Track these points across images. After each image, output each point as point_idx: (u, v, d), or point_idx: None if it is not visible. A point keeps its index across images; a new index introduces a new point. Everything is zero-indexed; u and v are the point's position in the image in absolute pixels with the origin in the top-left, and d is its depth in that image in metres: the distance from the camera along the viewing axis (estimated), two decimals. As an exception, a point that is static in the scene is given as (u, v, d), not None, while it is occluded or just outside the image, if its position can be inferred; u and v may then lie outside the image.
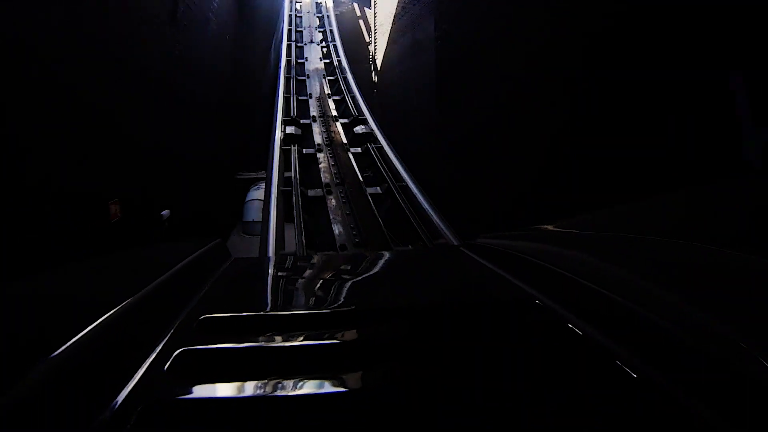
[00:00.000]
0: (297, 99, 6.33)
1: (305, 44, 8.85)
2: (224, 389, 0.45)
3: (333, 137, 5.05)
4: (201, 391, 0.45)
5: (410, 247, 3.24)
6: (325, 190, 3.88)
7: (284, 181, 3.92)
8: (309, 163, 4.50)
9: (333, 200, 3.73)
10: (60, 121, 2.48)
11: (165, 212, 3.94)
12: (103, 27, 2.99)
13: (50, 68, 2.38)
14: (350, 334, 0.59)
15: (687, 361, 0.42)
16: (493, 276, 0.84)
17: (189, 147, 4.60)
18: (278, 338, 0.56)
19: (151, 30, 3.83)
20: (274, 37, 9.81)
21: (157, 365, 0.48)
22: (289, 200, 3.60)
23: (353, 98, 6.17)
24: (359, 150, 4.76)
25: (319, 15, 9.86)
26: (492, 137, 3.68)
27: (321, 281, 0.99)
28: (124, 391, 0.43)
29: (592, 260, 0.66)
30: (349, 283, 0.97)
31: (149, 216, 3.68)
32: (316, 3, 10.41)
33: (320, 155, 4.62)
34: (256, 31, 9.01)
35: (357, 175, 4.11)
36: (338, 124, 5.35)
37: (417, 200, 3.66)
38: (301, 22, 9.53)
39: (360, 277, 1.03)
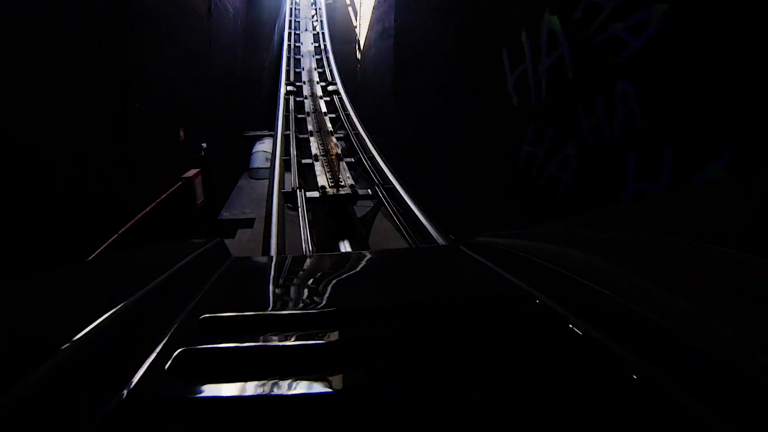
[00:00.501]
0: (294, 71, 8.90)
1: (301, 32, 11.20)
2: (225, 389, 0.46)
3: (314, 92, 7.80)
4: (202, 390, 0.45)
5: (341, 137, 5.85)
6: (306, 115, 6.75)
7: (285, 113, 6.55)
8: (299, 105, 7.29)
9: (309, 119, 6.59)
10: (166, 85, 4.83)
11: (203, 144, 6.34)
12: (181, 25, 5.34)
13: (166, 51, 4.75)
14: (351, 333, 0.60)
15: (687, 361, 0.42)
16: (493, 274, 0.84)
17: (215, 103, 7.00)
18: (279, 338, 0.56)
19: (199, 23, 6.18)
20: (276, 26, 12.15)
21: (158, 365, 0.49)
22: (288, 117, 6.46)
23: (330, 70, 8.83)
24: (328, 99, 7.58)
25: (314, 7, 12.22)
26: (421, 98, 6.04)
27: (321, 281, 1.00)
28: (124, 390, 0.43)
29: (593, 259, 0.65)
30: (350, 282, 0.99)
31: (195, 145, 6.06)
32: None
33: (306, 101, 7.43)
34: (263, 19, 11.38)
35: (323, 110, 6.97)
36: (318, 85, 8.05)
37: (354, 121, 6.42)
38: (299, 13, 11.89)
39: (361, 277, 1.05)
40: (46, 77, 2.65)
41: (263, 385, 0.45)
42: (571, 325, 0.55)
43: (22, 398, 0.35)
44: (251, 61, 10.62)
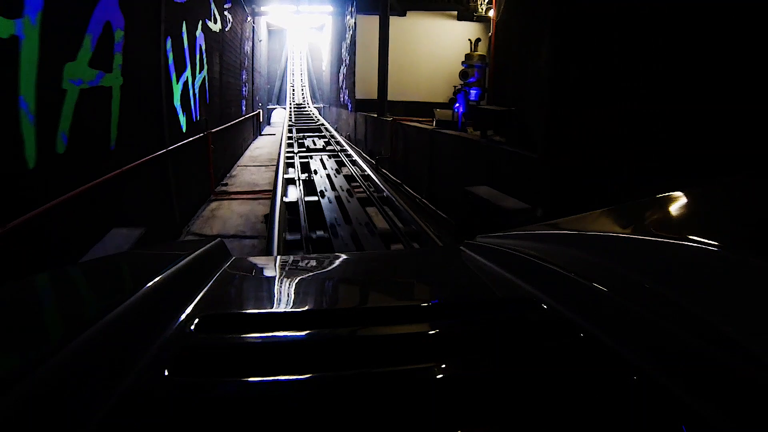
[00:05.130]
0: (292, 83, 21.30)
1: (296, 56, 23.15)
2: (224, 387, 0.47)
3: (297, 85, 20.36)
4: (201, 388, 0.46)
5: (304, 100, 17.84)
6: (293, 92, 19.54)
7: (291, 94, 19.33)
8: (293, 90, 20.25)
9: (295, 94, 19.55)
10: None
11: (260, 103, 18.11)
12: (257, 65, 17.11)
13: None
14: (351, 332, 0.61)
15: (688, 361, 0.43)
16: (494, 275, 0.85)
17: (258, 94, 18.79)
18: (278, 336, 0.57)
19: (260, 57, 17.91)
20: (284, 51, 24.02)
21: (158, 363, 0.49)
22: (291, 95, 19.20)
23: (309, 80, 21.22)
24: (301, 89, 20.37)
25: (301, 52, 24.36)
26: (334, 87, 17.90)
27: (320, 281, 1.01)
28: (124, 389, 0.43)
29: (594, 259, 0.66)
30: (351, 283, 1.00)
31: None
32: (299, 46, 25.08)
33: (296, 94, 20.40)
34: (276, 46, 23.31)
35: (302, 97, 19.97)
36: (301, 88, 20.40)
37: (308, 97, 19.75)
38: (293, 57, 24.03)
39: (360, 277, 1.06)
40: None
41: (262, 382, 0.47)
42: (573, 326, 0.56)
43: (20, 398, 0.36)
44: (269, 69, 22.46)
